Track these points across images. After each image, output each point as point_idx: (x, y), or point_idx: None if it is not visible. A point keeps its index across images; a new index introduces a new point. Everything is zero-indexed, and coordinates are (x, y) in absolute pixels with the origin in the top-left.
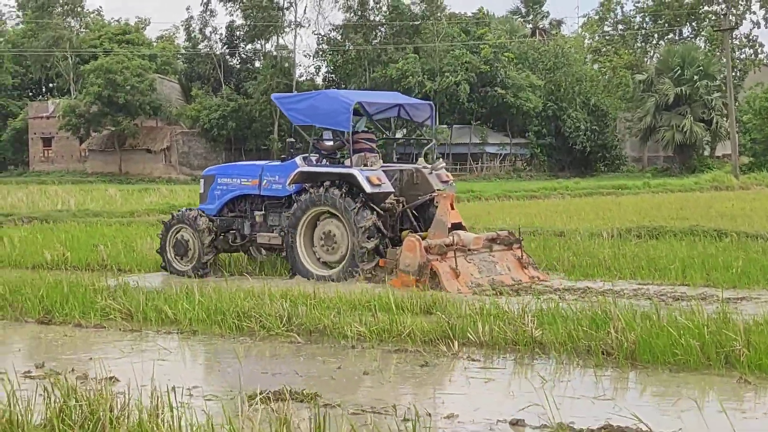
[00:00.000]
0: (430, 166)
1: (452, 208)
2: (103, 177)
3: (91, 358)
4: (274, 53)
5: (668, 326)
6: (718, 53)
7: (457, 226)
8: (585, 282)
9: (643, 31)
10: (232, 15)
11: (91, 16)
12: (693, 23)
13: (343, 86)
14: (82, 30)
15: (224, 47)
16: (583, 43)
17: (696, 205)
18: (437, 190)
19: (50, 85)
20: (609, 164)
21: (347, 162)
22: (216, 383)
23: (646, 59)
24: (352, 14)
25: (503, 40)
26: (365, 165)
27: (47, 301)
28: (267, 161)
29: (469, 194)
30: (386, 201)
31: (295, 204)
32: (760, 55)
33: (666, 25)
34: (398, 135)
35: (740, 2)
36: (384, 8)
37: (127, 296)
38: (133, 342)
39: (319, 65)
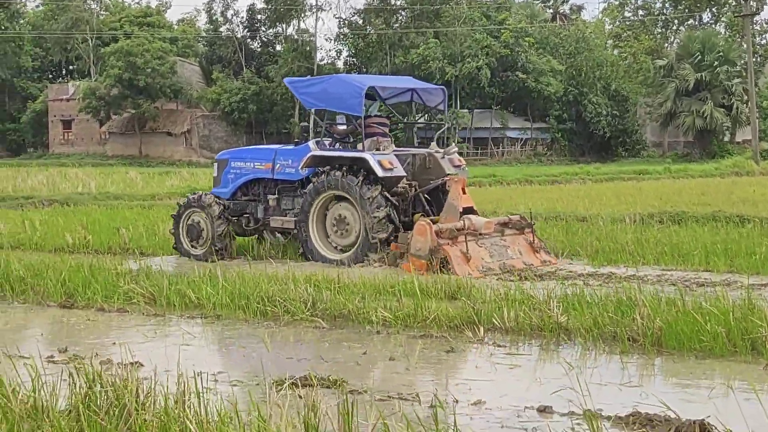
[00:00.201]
0: (442, 150)
1: (464, 193)
2: (123, 160)
3: (114, 343)
4: (296, 37)
5: (694, 312)
6: (738, 39)
7: (468, 211)
8: (608, 267)
9: (664, 17)
10: None
11: None
12: (713, 9)
13: (364, 70)
14: (102, 12)
15: (245, 30)
16: (604, 28)
17: (717, 190)
18: (449, 174)
19: (70, 67)
20: (629, 149)
21: (360, 146)
22: (241, 368)
23: (666, 45)
24: None
25: (524, 25)
26: (377, 149)
27: (69, 284)
28: (280, 145)
29: (491, 179)
30: (398, 185)
31: (308, 188)
32: None
33: (686, 10)
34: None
35: None
36: None
37: (150, 280)
38: (157, 326)
39: (340, 49)
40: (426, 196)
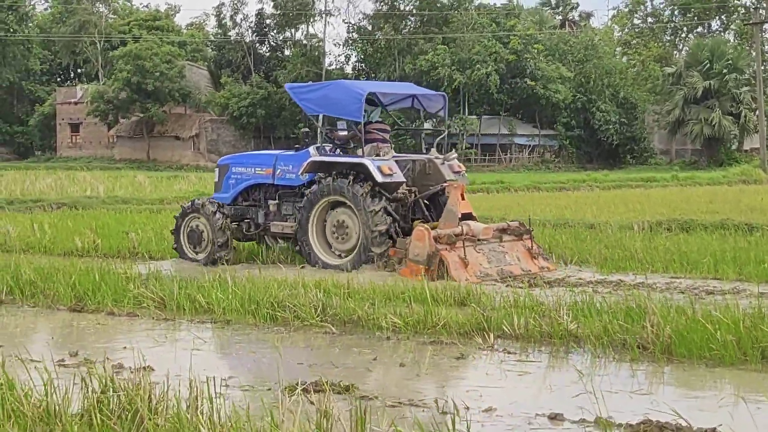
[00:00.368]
0: (442, 156)
1: (463, 199)
2: (130, 164)
3: (125, 347)
4: (304, 42)
5: (704, 321)
6: (747, 47)
7: (467, 216)
8: (617, 275)
9: (673, 25)
10: (262, 2)
11: (120, 1)
12: (722, 17)
13: (373, 76)
14: (110, 16)
15: (254, 35)
16: (613, 35)
17: (725, 198)
18: (448, 180)
19: (78, 70)
20: (637, 157)
21: (360, 152)
22: (251, 374)
23: (675, 52)
24: (381, 4)
25: (533, 32)
26: (377, 155)
27: (79, 288)
28: (281, 150)
29: (499, 185)
30: (398, 191)
31: (308, 193)
32: None
33: (695, 18)
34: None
35: None
36: None
37: (160, 285)
38: (167, 331)
39: (348, 54)
40: (425, 201)
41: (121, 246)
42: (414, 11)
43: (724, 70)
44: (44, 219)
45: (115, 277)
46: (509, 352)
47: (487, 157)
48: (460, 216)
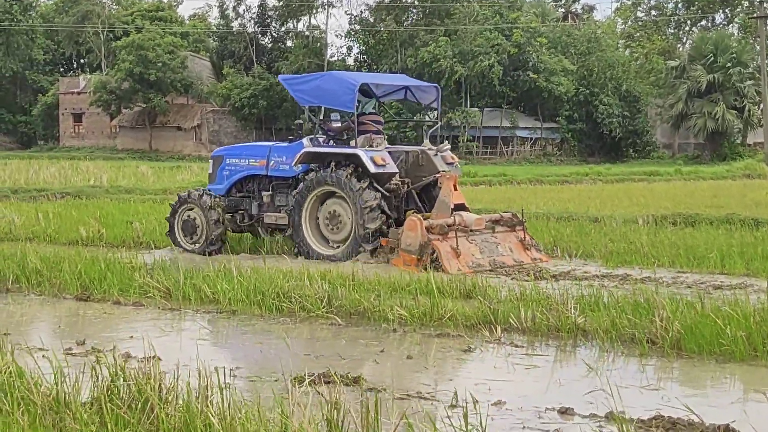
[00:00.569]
0: (435, 147)
1: (455, 189)
2: (133, 154)
3: (131, 336)
4: (306, 33)
5: (713, 316)
6: (751, 41)
7: (460, 207)
8: (623, 269)
9: (676, 18)
10: None
11: None
12: (726, 10)
13: (375, 68)
14: (113, 6)
15: (256, 26)
16: (616, 28)
17: (729, 193)
18: (441, 171)
19: (81, 60)
20: (639, 150)
21: (353, 143)
22: (258, 364)
23: (678, 46)
24: None
25: (536, 25)
26: (370, 146)
27: (85, 277)
28: (275, 142)
29: (501, 178)
30: (391, 182)
31: (302, 184)
32: None
33: (699, 11)
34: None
35: None
36: None
37: (166, 274)
38: (173, 321)
39: (350, 46)
40: (418, 192)
41: (126, 235)
42: (416, 3)
43: (728, 64)
44: (48, 208)
45: (121, 267)
46: (516, 346)
47: (488, 150)
48: (452, 207)
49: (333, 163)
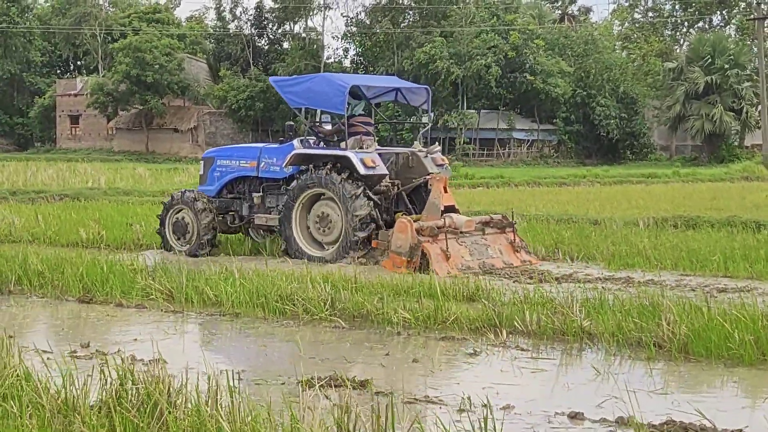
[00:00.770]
0: (425, 149)
1: (445, 191)
2: (129, 156)
3: (135, 339)
4: (303, 35)
5: (721, 319)
6: (748, 42)
7: (450, 209)
8: (625, 272)
9: (673, 19)
10: None
11: None
12: (723, 11)
13: (371, 69)
14: (110, 8)
15: (253, 28)
16: (612, 29)
17: (729, 195)
18: (431, 173)
19: (78, 62)
20: (637, 152)
21: (343, 145)
22: (263, 367)
23: (675, 47)
24: None
25: (533, 27)
26: (361, 148)
27: (87, 279)
28: (265, 143)
29: (499, 180)
30: (381, 183)
31: (292, 185)
32: None
33: (696, 13)
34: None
35: None
36: None
37: (167, 277)
38: (176, 323)
39: (347, 48)
40: (408, 194)
41: (126, 238)
42: (413, 5)
43: (726, 66)
44: (48, 210)
45: (123, 269)
46: (522, 349)
47: (485, 152)
48: (442, 208)
49: (328, 166)
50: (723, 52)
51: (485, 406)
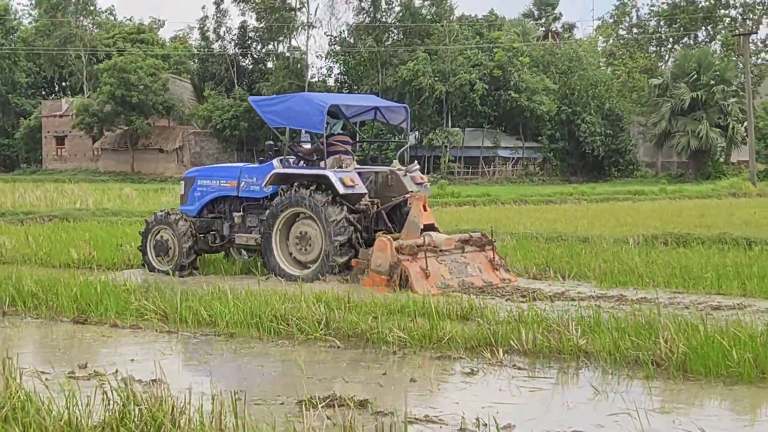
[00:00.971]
0: (404, 168)
1: (425, 210)
2: (115, 176)
3: (132, 359)
4: (287, 54)
5: (719, 337)
6: (734, 58)
7: (429, 228)
8: (617, 290)
9: (658, 35)
10: (245, 15)
11: (103, 15)
12: (708, 27)
13: (355, 88)
14: (94, 29)
15: (237, 48)
16: (597, 46)
17: (717, 212)
18: (411, 191)
19: (63, 83)
20: (622, 169)
21: (323, 164)
22: (260, 387)
23: (661, 64)
24: (364, 16)
25: (518, 45)
26: (340, 167)
27: (81, 300)
28: (246, 163)
29: (485, 198)
30: (360, 202)
31: (271, 205)
32: None
33: (681, 29)
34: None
35: (757, 7)
36: (397, 8)
37: (161, 297)
38: (171, 343)
39: (331, 67)
40: (388, 213)
41: (117, 258)
42: (396, 23)
43: (712, 82)
44: (38, 231)
45: (117, 290)
46: (519, 368)
47: (470, 170)
48: (422, 227)
49: (306, 185)
50: (708, 68)
51: (486, 425)
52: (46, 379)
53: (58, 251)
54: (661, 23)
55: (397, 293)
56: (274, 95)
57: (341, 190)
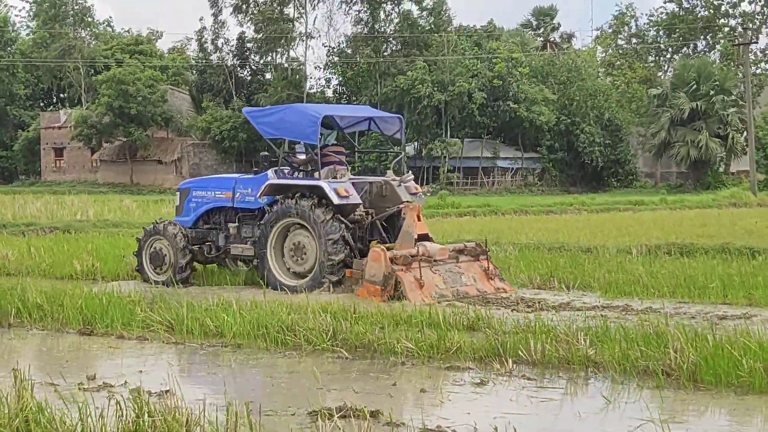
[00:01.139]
0: (399, 178)
1: (419, 220)
2: (114, 187)
3: (141, 371)
4: (285, 65)
5: (729, 347)
6: (733, 67)
7: (423, 237)
8: (622, 300)
9: (657, 45)
10: (243, 26)
11: (101, 26)
12: (707, 37)
13: (354, 99)
14: (92, 41)
15: (235, 59)
16: (596, 56)
17: (718, 222)
18: (405, 201)
19: (61, 95)
20: (622, 180)
21: (317, 175)
22: (270, 398)
23: (660, 74)
24: (362, 26)
25: (517, 55)
26: (334, 177)
27: (87, 312)
28: (240, 174)
29: (486, 209)
30: (355, 213)
31: (266, 215)
32: None
33: (680, 39)
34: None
35: (756, 16)
36: (396, 19)
37: (167, 308)
38: (179, 355)
39: (329, 78)
40: (383, 223)
41: (120, 270)
42: (395, 33)
43: (711, 92)
44: (40, 242)
45: (122, 301)
46: (529, 378)
47: (469, 180)
48: (416, 237)
49: (297, 195)
50: (708, 78)
51: None
52: (55, 391)
53: (61, 263)
54: (660, 33)
55: (403, 304)
56: (269, 106)
57: (335, 200)
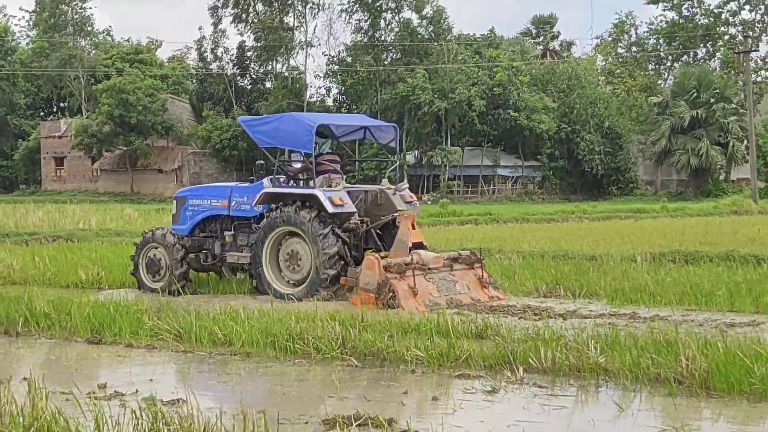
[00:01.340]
0: (394, 186)
1: (414, 228)
2: (114, 197)
3: (151, 379)
4: (285, 74)
5: (740, 354)
6: (733, 76)
7: (418, 246)
8: (628, 308)
9: (657, 53)
10: (243, 35)
11: (100, 36)
12: (708, 45)
13: (354, 107)
14: (92, 50)
15: (235, 68)
16: (596, 64)
17: (720, 229)
18: (399, 210)
19: (62, 104)
20: (622, 188)
21: (312, 183)
22: (281, 406)
23: (660, 82)
24: (362, 35)
25: (518, 63)
26: (329, 186)
27: (95, 320)
28: (236, 183)
29: (487, 217)
30: (350, 221)
31: (262, 223)
32: None
33: (680, 47)
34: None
35: (757, 24)
36: (396, 28)
37: (175, 317)
38: (188, 363)
39: (329, 86)
40: (378, 231)
41: (125, 278)
42: (395, 41)
43: (712, 99)
44: (43, 251)
45: (129, 310)
46: (540, 386)
47: (470, 189)
48: (410, 245)
49: (295, 203)
50: (708, 86)
51: None
52: (66, 399)
53: (65, 271)
54: (660, 41)
55: (410, 312)
56: (265, 115)
57: (330, 209)
